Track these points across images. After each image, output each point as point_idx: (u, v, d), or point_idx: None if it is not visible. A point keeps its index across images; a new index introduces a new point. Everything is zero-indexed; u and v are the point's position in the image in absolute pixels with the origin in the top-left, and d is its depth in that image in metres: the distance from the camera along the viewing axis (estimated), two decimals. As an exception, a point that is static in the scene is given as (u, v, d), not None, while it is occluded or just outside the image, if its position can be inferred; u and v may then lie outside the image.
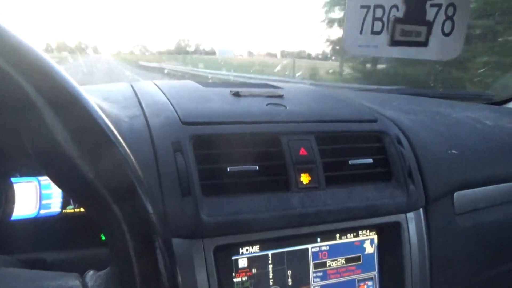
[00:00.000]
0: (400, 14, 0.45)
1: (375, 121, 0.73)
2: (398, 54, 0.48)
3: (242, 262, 0.57)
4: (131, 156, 0.29)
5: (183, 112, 0.62)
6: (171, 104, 0.65)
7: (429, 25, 0.47)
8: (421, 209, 0.68)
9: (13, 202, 0.59)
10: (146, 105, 0.67)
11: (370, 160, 0.67)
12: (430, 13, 0.54)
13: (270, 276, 0.59)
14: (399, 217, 0.66)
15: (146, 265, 0.27)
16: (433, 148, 0.76)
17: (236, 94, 0.75)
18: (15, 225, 0.59)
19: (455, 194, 0.75)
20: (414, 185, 0.67)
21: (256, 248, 0.58)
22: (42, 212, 0.61)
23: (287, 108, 0.71)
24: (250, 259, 0.58)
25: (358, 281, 0.64)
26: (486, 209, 0.79)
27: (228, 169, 0.58)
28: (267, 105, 0.71)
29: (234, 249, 0.57)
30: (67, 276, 0.29)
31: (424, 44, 0.48)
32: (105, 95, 0.73)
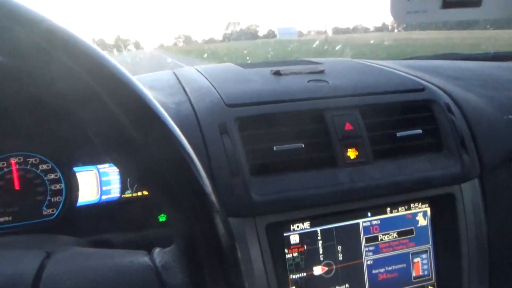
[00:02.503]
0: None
1: (422, 90, 0.70)
2: (450, 17, 0.45)
3: (294, 239, 0.58)
4: (183, 137, 0.30)
5: (227, 95, 0.63)
6: (214, 88, 0.67)
7: None
8: (476, 179, 0.66)
9: (77, 190, 0.64)
10: (190, 90, 0.69)
11: (420, 131, 0.65)
12: None
13: (321, 252, 0.60)
14: (453, 188, 0.64)
15: (207, 241, 0.28)
16: (487, 114, 0.72)
17: (277, 73, 0.75)
18: (81, 211, 0.64)
19: (513, 162, 0.71)
20: (467, 154, 0.65)
21: (306, 224, 0.59)
22: (104, 197, 0.66)
23: (329, 83, 0.70)
24: (301, 236, 0.59)
25: (412, 254, 0.63)
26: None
27: (275, 148, 0.58)
28: (308, 81, 0.70)
29: (285, 226, 0.58)
30: (136, 253, 0.32)
31: (478, 3, 0.44)
32: (150, 84, 0.75)
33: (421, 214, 0.64)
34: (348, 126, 0.62)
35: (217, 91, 0.65)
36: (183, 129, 0.60)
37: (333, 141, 0.61)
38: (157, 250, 0.32)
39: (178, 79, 0.78)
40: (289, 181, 0.57)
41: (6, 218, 0.62)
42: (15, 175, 0.62)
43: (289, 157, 0.59)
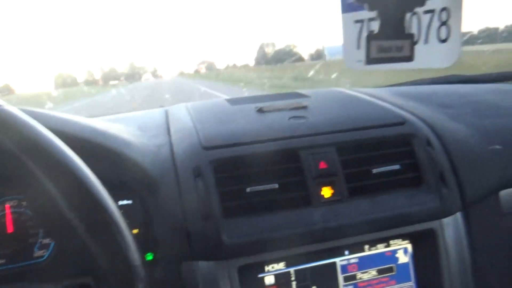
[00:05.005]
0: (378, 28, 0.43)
1: (402, 123, 0.70)
2: (390, 67, 0.46)
3: (269, 280, 0.59)
4: (119, 214, 0.32)
5: (205, 137, 0.66)
6: (196, 129, 0.69)
7: (412, 37, 0.44)
8: (459, 213, 0.65)
9: None
10: (173, 132, 0.72)
11: (397, 167, 0.65)
12: (424, 20, 0.51)
13: (295, 293, 0.60)
14: (433, 224, 0.63)
15: None
16: (472, 145, 0.71)
17: (260, 110, 0.77)
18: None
19: (501, 192, 0.69)
20: (447, 188, 0.64)
21: (281, 265, 0.59)
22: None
23: (309, 120, 0.71)
24: (276, 276, 0.59)
25: (393, 292, 0.62)
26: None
27: (248, 190, 0.60)
28: (289, 119, 0.72)
29: (259, 267, 0.58)
30: None
31: (409, 58, 0.45)
32: (140, 123, 0.79)
33: (402, 251, 0.63)
34: (322, 164, 0.62)
35: (197, 132, 0.68)
36: (159, 174, 0.62)
37: (308, 180, 0.61)
38: None
39: (167, 118, 0.81)
40: (262, 222, 0.58)
41: (0, 261, 0.65)
42: (8, 218, 0.66)
43: (263, 198, 0.60)
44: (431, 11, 0.51)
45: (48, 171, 0.30)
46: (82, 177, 0.31)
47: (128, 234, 0.33)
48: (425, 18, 0.52)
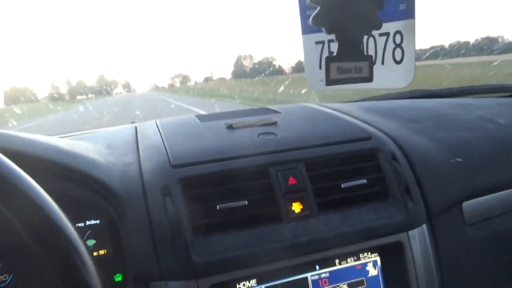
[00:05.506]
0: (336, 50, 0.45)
1: (368, 139, 0.72)
2: (350, 87, 0.48)
3: (240, 297, 0.58)
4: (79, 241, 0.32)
5: (174, 154, 0.65)
6: (165, 147, 0.68)
7: (370, 59, 0.46)
8: (424, 225, 0.66)
9: None
10: (142, 149, 0.71)
11: (364, 181, 0.66)
12: (380, 42, 0.54)
13: (267, 309, 0.59)
14: (400, 236, 0.64)
15: None
16: (434, 159, 0.73)
17: (230, 127, 0.77)
18: None
19: (464, 204, 0.72)
20: (412, 201, 0.66)
21: (253, 282, 0.59)
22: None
23: (278, 136, 0.72)
24: (248, 294, 0.58)
25: (364, 305, 0.63)
26: (501, 216, 0.75)
27: (218, 207, 0.59)
28: (258, 135, 0.72)
29: (230, 285, 0.58)
30: None
31: (368, 79, 0.46)
32: (109, 141, 0.77)
33: (371, 264, 0.64)
34: (292, 180, 0.63)
35: (166, 150, 0.67)
36: (126, 193, 0.61)
37: (277, 196, 0.62)
38: None
39: (136, 135, 0.80)
40: (232, 239, 0.58)
41: None
42: None
43: (233, 215, 0.60)
44: (385, 34, 0.54)
45: (3, 196, 0.29)
46: (39, 201, 0.30)
47: (88, 259, 0.32)
48: (381, 40, 0.55)
